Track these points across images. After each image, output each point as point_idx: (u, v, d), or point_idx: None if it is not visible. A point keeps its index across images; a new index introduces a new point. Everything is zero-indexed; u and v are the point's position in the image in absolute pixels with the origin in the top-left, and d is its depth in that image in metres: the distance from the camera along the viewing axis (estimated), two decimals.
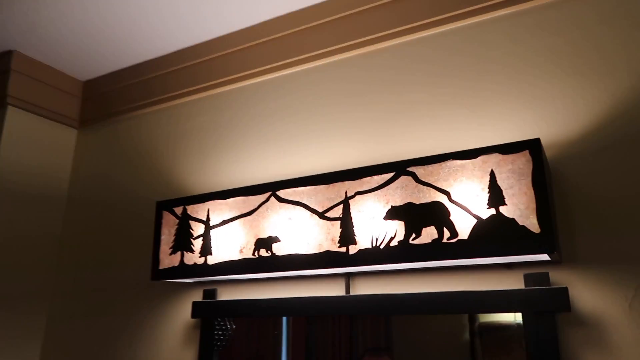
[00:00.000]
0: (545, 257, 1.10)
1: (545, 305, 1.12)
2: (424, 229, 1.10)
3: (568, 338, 1.12)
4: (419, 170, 1.13)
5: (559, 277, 1.15)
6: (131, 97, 2.00)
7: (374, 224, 1.17)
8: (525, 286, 1.16)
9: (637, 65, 1.16)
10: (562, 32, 1.27)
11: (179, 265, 1.40)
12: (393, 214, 1.14)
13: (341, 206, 1.21)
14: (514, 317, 2.81)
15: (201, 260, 1.37)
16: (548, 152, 1.20)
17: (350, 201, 1.20)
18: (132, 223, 1.84)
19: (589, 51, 1.22)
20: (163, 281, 1.66)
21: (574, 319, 1.12)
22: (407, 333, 3.06)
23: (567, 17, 1.27)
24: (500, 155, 1.05)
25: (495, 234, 1.04)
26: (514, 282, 1.20)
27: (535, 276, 1.15)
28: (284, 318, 1.73)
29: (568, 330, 1.12)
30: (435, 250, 1.09)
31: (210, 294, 1.55)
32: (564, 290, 1.10)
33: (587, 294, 1.12)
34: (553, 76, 1.25)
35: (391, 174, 1.16)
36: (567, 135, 1.19)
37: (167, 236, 1.43)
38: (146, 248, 1.77)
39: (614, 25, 1.21)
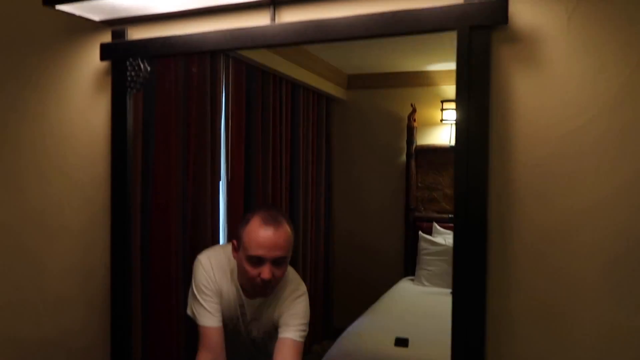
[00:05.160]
0: None
1: (482, 18, 1.03)
2: None
3: (501, 53, 1.06)
4: None
5: None
6: None
7: None
8: (465, 0, 1.05)
9: None
10: None
11: None
12: None
13: None
14: (449, 141, 2.86)
15: None
16: None
17: None
18: None
19: None
20: (66, 24, 1.45)
21: (510, 34, 1.05)
22: (347, 153, 3.09)
23: None
24: None
25: None
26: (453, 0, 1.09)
27: None
28: (223, 83, 1.62)
29: (502, 46, 1.06)
30: None
31: (119, 33, 1.37)
32: (504, 3, 1.01)
33: (526, 6, 1.03)
34: None
35: None
36: None
37: None
38: None
39: None
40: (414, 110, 2.99)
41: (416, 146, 2.96)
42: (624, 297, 0.88)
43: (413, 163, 2.94)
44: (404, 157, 3.04)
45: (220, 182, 1.71)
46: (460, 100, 1.05)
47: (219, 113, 1.66)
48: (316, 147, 2.81)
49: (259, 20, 1.26)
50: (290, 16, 1.22)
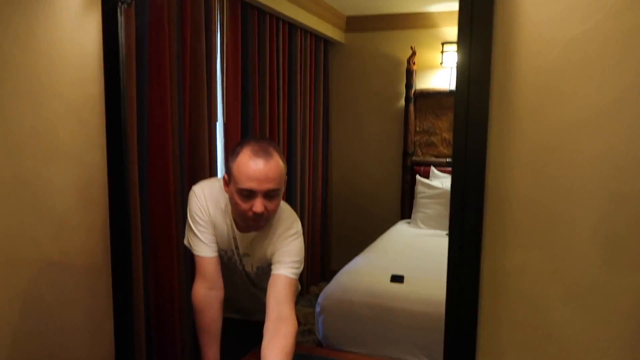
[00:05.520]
0: None
1: None
2: None
3: None
4: None
5: None
6: None
7: None
8: None
9: None
10: None
11: None
12: None
13: None
14: (449, 85, 2.80)
15: None
16: None
17: None
18: None
19: None
20: None
21: None
22: (345, 97, 3.05)
23: None
24: None
25: None
26: None
27: None
28: (218, 29, 1.57)
29: None
30: None
31: None
32: None
33: None
34: None
35: None
36: None
37: None
38: None
39: None
40: (413, 53, 2.93)
41: (415, 90, 2.93)
42: (621, 204, 0.89)
43: (412, 107, 2.91)
44: (402, 102, 3.01)
45: (217, 124, 1.71)
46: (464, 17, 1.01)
47: (214, 51, 1.62)
48: (314, 90, 2.77)
49: None
50: None
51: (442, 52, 2.68)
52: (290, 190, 2.33)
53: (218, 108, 1.71)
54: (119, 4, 1.26)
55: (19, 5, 1.40)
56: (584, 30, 0.91)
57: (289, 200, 2.24)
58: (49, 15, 1.41)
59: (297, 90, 2.48)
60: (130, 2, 1.25)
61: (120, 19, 1.25)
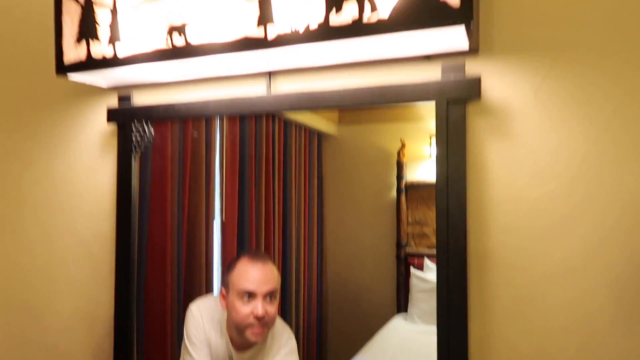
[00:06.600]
0: (463, 44, 1.10)
1: (458, 93, 1.15)
2: (344, 3, 1.05)
3: (475, 125, 1.17)
4: None
5: (474, 68, 1.16)
6: None
7: (294, 5, 1.10)
8: (442, 77, 1.17)
9: None
10: None
11: (86, 58, 1.29)
12: None
13: None
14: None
15: (110, 52, 1.27)
16: None
17: None
18: (31, 20, 1.66)
19: None
20: (76, 90, 1.55)
21: (484, 107, 1.16)
22: (336, 190, 3.17)
23: None
24: None
25: (415, 10, 1.01)
26: (432, 75, 1.21)
27: (452, 66, 1.16)
28: (217, 134, 1.70)
29: (476, 118, 1.17)
30: (355, 28, 1.05)
31: (125, 98, 1.48)
32: (477, 80, 1.12)
33: (498, 83, 1.15)
34: None
35: None
36: None
37: (70, 25, 1.30)
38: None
39: None
40: (403, 146, 3.10)
41: (406, 181, 3.06)
42: (594, 352, 0.98)
43: (403, 198, 3.02)
44: (394, 193, 3.13)
45: (214, 222, 1.79)
46: (440, 167, 1.16)
47: (213, 150, 1.73)
48: (308, 183, 2.88)
49: (256, 88, 1.37)
50: (284, 84, 1.33)
51: (430, 144, 2.83)
52: (285, 288, 2.37)
53: (216, 205, 1.80)
54: (133, 151, 1.39)
55: (40, 144, 1.55)
56: (544, 192, 1.04)
57: (284, 298, 2.27)
58: (69, 155, 1.55)
59: (292, 184, 2.58)
60: (143, 150, 1.38)
61: (134, 164, 1.37)
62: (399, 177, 3.05)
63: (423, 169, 3.16)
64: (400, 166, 3.06)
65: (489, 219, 1.12)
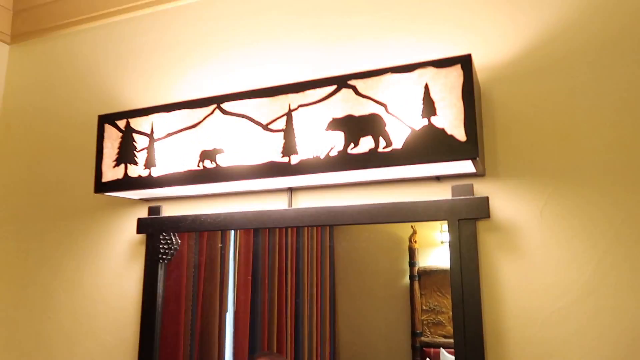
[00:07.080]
0: (471, 168, 1.20)
1: (468, 213, 1.23)
2: (361, 139, 1.16)
3: (486, 241, 1.24)
4: (359, 84, 1.18)
5: (482, 189, 1.26)
6: (67, 12, 1.91)
7: (315, 135, 1.22)
8: (452, 196, 1.26)
9: None
10: None
11: (123, 177, 1.41)
12: (334, 125, 1.19)
13: (285, 118, 1.24)
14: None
15: (145, 173, 1.38)
16: (480, 74, 1.27)
17: (294, 113, 1.24)
18: (72, 141, 1.80)
19: None
20: (108, 200, 1.66)
21: (493, 225, 1.24)
22: (348, 277, 3.20)
23: None
24: (435, 69, 1.11)
25: (426, 143, 1.11)
26: (443, 194, 1.30)
27: (461, 187, 1.25)
28: (232, 232, 1.78)
29: (487, 235, 1.25)
30: (371, 158, 1.16)
31: (155, 210, 1.58)
32: (485, 200, 1.21)
33: (505, 203, 1.23)
34: (486, 2, 1.31)
35: (333, 87, 1.20)
36: (499, 58, 1.27)
37: (110, 150, 1.43)
38: (89, 166, 1.74)
39: None
40: (414, 232, 3.16)
41: (419, 268, 3.09)
42: None
43: (416, 285, 3.04)
44: (407, 279, 3.16)
45: (227, 314, 1.83)
46: (454, 284, 1.22)
47: (227, 253, 1.80)
48: (320, 271, 2.93)
49: (277, 202, 1.46)
50: (304, 199, 1.43)
51: (441, 231, 2.89)
52: None
53: (229, 297, 1.85)
54: (160, 260, 1.47)
55: (70, 251, 1.64)
56: (559, 307, 1.09)
57: None
58: (97, 262, 1.64)
59: (304, 273, 2.62)
60: (170, 259, 1.46)
61: (160, 272, 1.45)
62: (412, 263, 3.09)
63: (435, 255, 3.20)
64: (412, 252, 3.11)
65: (505, 331, 1.16)
